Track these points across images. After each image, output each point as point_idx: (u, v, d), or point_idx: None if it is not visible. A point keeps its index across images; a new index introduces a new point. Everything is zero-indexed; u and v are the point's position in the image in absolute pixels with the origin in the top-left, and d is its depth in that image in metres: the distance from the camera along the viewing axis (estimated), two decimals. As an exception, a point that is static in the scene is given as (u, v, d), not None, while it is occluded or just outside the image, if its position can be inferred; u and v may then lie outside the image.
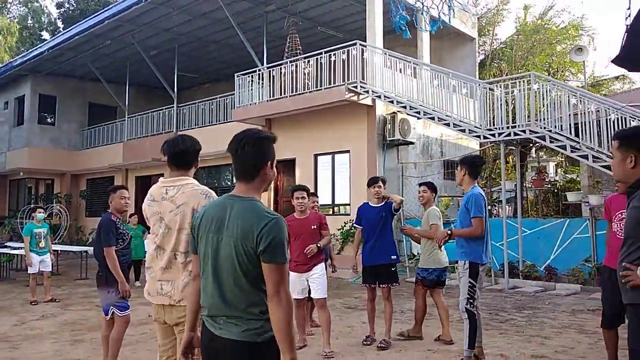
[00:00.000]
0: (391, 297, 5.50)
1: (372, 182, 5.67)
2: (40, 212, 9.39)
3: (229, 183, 16.20)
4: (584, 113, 8.94)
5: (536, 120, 9.49)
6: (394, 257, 5.47)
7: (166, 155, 3.10)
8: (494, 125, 10.06)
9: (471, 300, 4.43)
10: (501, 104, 9.88)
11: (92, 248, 6.65)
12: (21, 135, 20.51)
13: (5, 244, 12.77)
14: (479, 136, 10.18)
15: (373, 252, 5.45)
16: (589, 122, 8.84)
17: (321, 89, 12.18)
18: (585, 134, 8.87)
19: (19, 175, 20.99)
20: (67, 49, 17.48)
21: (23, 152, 19.96)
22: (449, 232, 4.63)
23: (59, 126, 20.86)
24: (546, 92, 9.50)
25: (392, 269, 5.44)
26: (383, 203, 5.58)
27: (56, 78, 20.23)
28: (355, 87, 11.48)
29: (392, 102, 11.25)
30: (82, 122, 21.32)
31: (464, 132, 10.47)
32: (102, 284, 4.62)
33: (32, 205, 18.18)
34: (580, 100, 9.11)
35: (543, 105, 9.58)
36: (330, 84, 12.05)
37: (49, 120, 21.07)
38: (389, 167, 12.47)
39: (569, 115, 9.14)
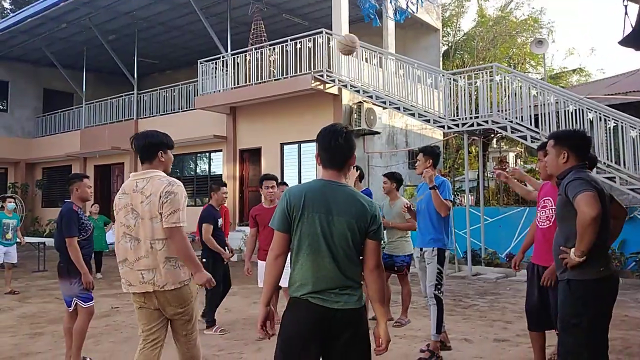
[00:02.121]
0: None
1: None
2: (10, 202, 9.18)
3: (192, 172, 15.95)
4: (544, 104, 9.21)
5: (498, 110, 9.70)
6: None
7: (134, 150, 3.20)
8: (457, 115, 10.25)
9: (439, 286, 4.51)
10: (464, 95, 10.06)
11: (49, 239, 6.45)
12: (-29, 122, 19.57)
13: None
14: (443, 126, 10.35)
15: None
16: (549, 113, 9.12)
17: (287, 77, 12.10)
18: (545, 125, 9.14)
19: (-31, 164, 20.06)
20: (19, 32, 16.72)
21: (-27, 139, 19.07)
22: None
23: (12, 112, 19.98)
24: (508, 83, 9.73)
25: None
26: (361, 190, 5.60)
27: (8, 62, 19.33)
28: (322, 75, 11.45)
29: (358, 91, 11.29)
30: (36, 108, 20.50)
31: (429, 122, 10.62)
32: (64, 275, 4.47)
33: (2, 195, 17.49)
34: (540, 92, 9.36)
35: (505, 96, 9.81)
36: (296, 72, 11.98)
37: (0, 106, 20.15)
38: (356, 157, 12.52)
39: (530, 106, 9.40)
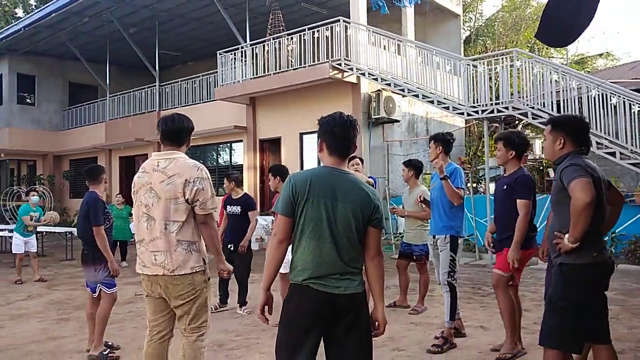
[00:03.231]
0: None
1: (349, 160, 5.69)
2: (34, 195, 9.47)
3: (214, 163, 16.14)
4: (566, 90, 9.03)
5: (519, 97, 9.55)
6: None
7: (161, 131, 3.20)
8: (477, 102, 10.13)
9: (452, 273, 4.53)
10: (485, 81, 9.92)
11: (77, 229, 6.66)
12: (0, 117, 20.11)
13: (-12, 225, 12.62)
14: (462, 113, 10.25)
15: None
16: (571, 99, 8.94)
17: (305, 67, 12.12)
18: (568, 110, 8.97)
19: (0, 157, 20.66)
20: (44, 27, 17.06)
21: (3, 132, 19.60)
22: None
23: (39, 106, 20.48)
24: (529, 68, 9.56)
25: None
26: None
27: (34, 57, 19.78)
28: (339, 64, 11.43)
29: (376, 79, 11.24)
30: (62, 101, 20.96)
31: (448, 109, 10.53)
32: (89, 262, 4.62)
33: (15, 187, 18.04)
34: (562, 77, 9.18)
35: (526, 82, 9.65)
36: (314, 61, 11.98)
37: (28, 100, 20.66)
38: (375, 146, 12.53)
39: (551, 92, 9.23)
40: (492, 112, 9.61)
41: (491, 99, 9.92)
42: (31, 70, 20.11)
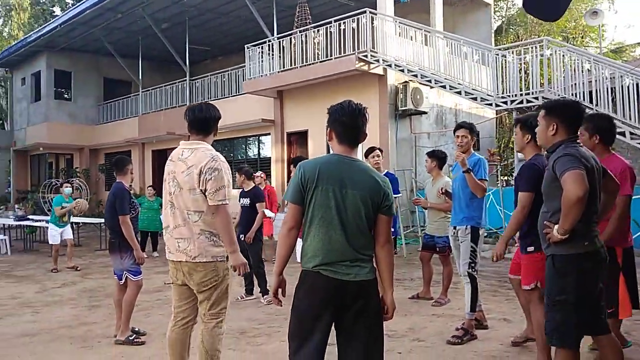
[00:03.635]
0: None
1: (369, 151, 5.73)
2: (67, 187, 9.78)
3: (243, 156, 16.33)
4: (599, 79, 8.76)
5: (549, 87, 9.32)
6: (391, 229, 5.47)
7: (188, 121, 3.25)
8: (507, 92, 9.94)
9: (472, 264, 4.49)
10: (514, 71, 9.72)
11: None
12: (39, 111, 20.85)
13: (28, 217, 13.13)
14: (490, 104, 10.07)
15: None
16: (604, 88, 8.67)
17: (331, 59, 12.11)
18: (600, 100, 8.72)
19: (39, 151, 21.42)
20: (79, 24, 17.55)
21: (42, 127, 20.33)
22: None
23: (76, 101, 21.12)
24: (560, 57, 9.32)
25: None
26: (383, 173, 5.62)
27: (71, 53, 20.38)
28: (366, 56, 11.38)
29: (402, 70, 11.14)
30: (98, 96, 21.54)
31: (476, 100, 10.36)
32: (116, 250, 4.78)
33: (54, 180, 18.68)
34: (595, 66, 8.91)
35: (557, 72, 9.40)
36: (340, 53, 11.95)
37: (65, 95, 21.36)
38: (402, 138, 12.44)
39: (583, 82, 8.97)
40: (521, 102, 9.42)
41: (521, 90, 9.72)
42: (68, 66, 20.72)
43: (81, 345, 4.59)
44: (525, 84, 9.81)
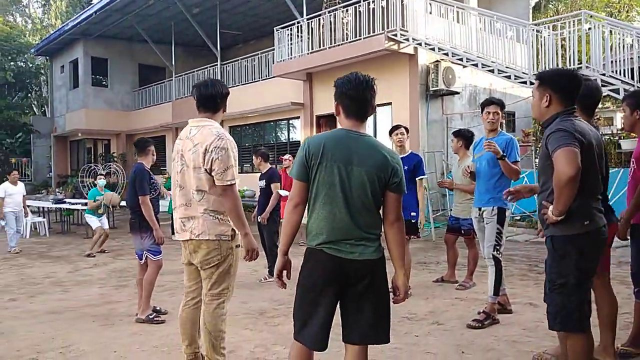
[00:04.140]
0: (408, 248, 5.37)
1: (394, 129, 5.52)
2: (101, 179, 10.03)
3: (274, 140, 16.33)
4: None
5: (588, 64, 8.85)
6: (413, 213, 5.27)
7: (195, 98, 3.22)
8: (542, 70, 9.49)
9: (497, 247, 4.31)
10: (550, 48, 9.27)
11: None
12: (77, 98, 21.41)
13: (65, 200, 13.55)
14: (525, 82, 9.66)
15: None
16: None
17: (360, 39, 11.87)
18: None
19: (77, 136, 22.06)
20: (112, 11, 17.81)
21: (80, 113, 20.88)
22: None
23: (112, 88, 21.57)
24: (599, 32, 8.81)
25: (412, 222, 5.29)
26: (407, 154, 5.43)
27: (106, 40, 20.76)
28: (395, 35, 11.09)
29: (433, 49, 10.82)
30: (133, 83, 21.93)
31: (509, 78, 9.96)
32: (136, 230, 4.84)
33: (92, 165, 19.21)
34: (638, 41, 8.40)
35: (602, 48, 8.91)
36: (369, 33, 11.70)
37: (102, 82, 21.82)
38: (433, 119, 12.14)
39: (626, 58, 8.47)
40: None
41: (557, 67, 9.26)
42: (104, 53, 21.14)
43: (102, 323, 4.68)
44: (562, 61, 9.33)
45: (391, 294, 2.50)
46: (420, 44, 10.98)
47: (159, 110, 20.02)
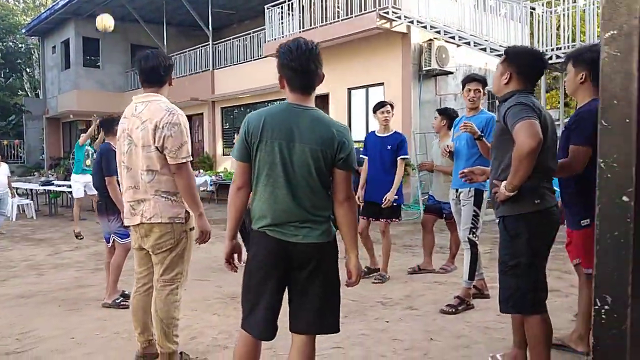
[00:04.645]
0: (388, 232, 5.24)
1: (379, 106, 5.30)
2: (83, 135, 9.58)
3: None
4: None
5: (582, 42, 8.60)
6: (395, 196, 5.07)
7: (138, 72, 3.03)
8: (535, 48, 9.26)
9: (474, 230, 4.15)
10: (543, 25, 9.01)
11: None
12: (69, 79, 21.12)
13: (53, 182, 13.40)
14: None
15: (374, 189, 5.13)
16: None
17: (352, 17, 11.58)
18: None
19: (69, 118, 21.82)
20: (103, -11, 17.48)
21: (72, 94, 20.61)
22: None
23: (104, 68, 21.26)
24: (594, 9, 8.54)
25: (395, 204, 5.10)
26: (391, 133, 5.24)
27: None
28: (387, 12, 10.81)
29: (425, 27, 10.54)
30: (125, 63, 21.61)
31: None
32: (103, 212, 4.68)
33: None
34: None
35: (592, 26, 8.66)
36: (361, 11, 11.41)
37: (94, 63, 21.51)
38: (426, 100, 11.90)
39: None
40: (550, 58, 8.74)
41: (551, 45, 9.01)
42: (95, 33, 20.52)
43: (69, 308, 4.55)
44: (557, 40, 9.08)
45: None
46: (412, 22, 10.70)
47: (152, 91, 19.73)
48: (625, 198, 0.78)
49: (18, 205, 11.68)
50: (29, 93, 27.48)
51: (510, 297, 2.61)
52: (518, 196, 2.51)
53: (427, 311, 4.12)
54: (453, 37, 10.33)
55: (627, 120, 0.80)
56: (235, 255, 2.43)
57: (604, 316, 0.78)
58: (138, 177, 2.93)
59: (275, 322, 2.30)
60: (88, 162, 9.21)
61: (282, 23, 13.47)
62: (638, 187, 0.76)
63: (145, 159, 2.88)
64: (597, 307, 0.82)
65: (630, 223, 0.76)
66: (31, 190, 13.24)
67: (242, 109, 16.70)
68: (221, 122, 17.54)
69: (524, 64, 2.65)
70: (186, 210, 2.97)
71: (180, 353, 3.10)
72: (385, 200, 5.02)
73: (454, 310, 4.01)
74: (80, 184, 9.21)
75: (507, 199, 2.55)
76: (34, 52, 25.80)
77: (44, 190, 12.91)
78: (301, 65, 2.20)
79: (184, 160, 2.85)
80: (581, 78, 2.90)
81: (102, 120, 4.99)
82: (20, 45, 25.17)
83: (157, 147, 2.84)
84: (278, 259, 2.23)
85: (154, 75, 2.97)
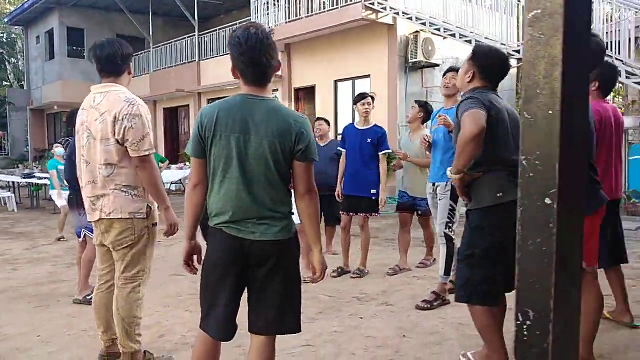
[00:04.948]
0: (367, 227, 5.14)
1: (360, 98, 5.17)
2: (58, 147, 9.15)
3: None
4: (619, 24, 7.96)
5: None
6: (373, 191, 4.98)
7: (94, 61, 2.92)
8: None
9: (450, 225, 4.09)
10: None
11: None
12: (53, 70, 20.79)
13: (34, 174, 13.20)
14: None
15: (353, 182, 5.04)
16: (625, 34, 7.88)
17: (337, 8, 11.46)
18: (625, 50, 7.93)
19: (54, 109, 21.50)
20: (87, -22, 17.18)
21: (56, 86, 20.31)
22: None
23: (89, 59, 20.89)
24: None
25: (373, 199, 5.01)
26: (371, 126, 5.14)
27: (83, 10, 20.08)
28: (373, 4, 10.70)
29: (410, 18, 10.45)
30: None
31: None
32: (74, 206, 4.56)
33: (69, 139, 18.81)
34: (617, 9, 8.09)
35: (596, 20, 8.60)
36: (347, 2, 11.29)
37: (79, 53, 21.18)
38: (412, 92, 11.81)
39: (614, 30, 8.15)
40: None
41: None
42: (80, 23, 20.45)
43: (39, 304, 4.45)
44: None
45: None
46: (397, 14, 10.60)
47: (137, 82, 19.39)
48: (548, 200, 0.70)
49: (-1, 198, 11.50)
50: (12, 84, 27.05)
51: (462, 287, 2.64)
52: (480, 190, 2.56)
53: (403, 307, 4.06)
54: (439, 29, 10.24)
55: (550, 112, 0.72)
56: (195, 257, 2.35)
57: (525, 333, 0.70)
58: (96, 171, 2.83)
59: (234, 322, 2.23)
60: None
61: (268, 14, 13.30)
62: (562, 188, 0.69)
63: (103, 152, 2.78)
64: (519, 322, 0.75)
65: (554, 228, 0.68)
66: (13, 183, 13.04)
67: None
68: (208, 114, 17.37)
69: (488, 65, 2.71)
70: (148, 205, 2.87)
71: (145, 352, 3.02)
72: (381, 202, 4.98)
73: (429, 306, 3.96)
74: (61, 196, 8.57)
75: (472, 194, 2.61)
76: (17, 42, 25.35)
77: (26, 183, 12.72)
78: (252, 59, 2.09)
79: (147, 153, 2.76)
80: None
81: (69, 114, 4.85)
82: (1, 35, 24.69)
83: (117, 140, 2.75)
84: (235, 257, 2.14)
85: (111, 65, 2.86)
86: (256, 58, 2.08)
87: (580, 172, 0.75)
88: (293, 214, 2.23)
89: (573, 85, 0.75)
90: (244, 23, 2.19)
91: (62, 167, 8.67)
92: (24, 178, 12.54)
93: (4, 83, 26.17)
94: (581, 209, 0.76)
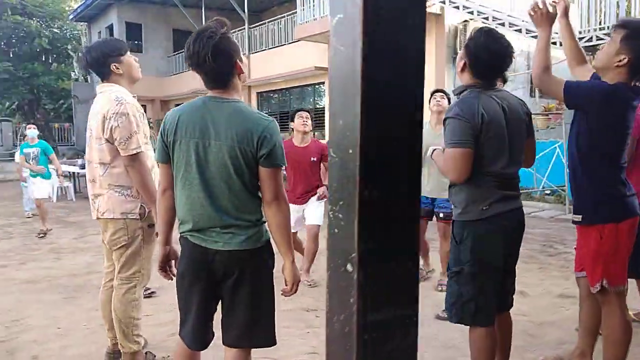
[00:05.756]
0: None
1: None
2: (30, 129, 8.39)
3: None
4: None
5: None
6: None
7: (86, 69, 3.00)
8: (580, 28, 8.59)
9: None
10: (585, 3, 8.33)
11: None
12: (114, 64, 21.63)
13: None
14: (554, 43, 8.78)
15: None
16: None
17: (383, -1, 11.16)
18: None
19: (114, 102, 22.40)
20: (143, -26, 17.69)
21: (116, 79, 21.12)
22: None
23: (147, 53, 21.65)
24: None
25: None
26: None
27: (140, 5, 20.76)
28: (419, -7, 10.33)
29: (457, 7, 10.02)
30: (167, 48, 21.95)
31: (536, 38, 9.08)
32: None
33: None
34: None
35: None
36: (392, -8, 10.97)
37: (137, 47, 21.94)
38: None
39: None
40: (590, 40, 8.09)
41: (595, 25, 8.34)
42: (138, 18, 21.16)
43: (67, 296, 4.61)
44: (598, 18, 8.38)
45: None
46: (444, 2, 10.19)
47: (192, 75, 19.52)
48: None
49: (60, 187, 12.05)
50: (78, 78, 28.43)
51: (452, 305, 2.44)
52: (465, 202, 2.35)
53: (423, 316, 3.86)
54: (487, 18, 9.76)
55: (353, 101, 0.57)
56: (173, 262, 2.31)
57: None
58: (94, 170, 2.87)
59: (207, 332, 2.18)
60: (33, 164, 8.26)
61: (314, 4, 13.18)
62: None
63: (97, 151, 2.82)
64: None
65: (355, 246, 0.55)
66: (73, 173, 13.70)
67: (277, 93, 16.61)
68: (257, 107, 17.52)
69: (477, 56, 2.38)
70: (142, 205, 2.86)
71: (146, 353, 3.03)
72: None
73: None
74: (38, 188, 8.12)
75: (456, 201, 2.42)
76: (81, 38, 26.60)
77: (85, 172, 13.32)
78: (197, 64, 1.99)
79: (135, 152, 2.74)
80: (620, 60, 2.39)
81: None
82: (65, 31, 25.93)
83: (107, 139, 2.77)
84: (200, 266, 2.08)
85: (97, 67, 2.88)
86: (200, 62, 1.97)
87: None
88: (264, 222, 2.12)
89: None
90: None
91: (29, 150, 8.24)
92: (82, 168, 13.12)
93: (72, 77, 27.54)
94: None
